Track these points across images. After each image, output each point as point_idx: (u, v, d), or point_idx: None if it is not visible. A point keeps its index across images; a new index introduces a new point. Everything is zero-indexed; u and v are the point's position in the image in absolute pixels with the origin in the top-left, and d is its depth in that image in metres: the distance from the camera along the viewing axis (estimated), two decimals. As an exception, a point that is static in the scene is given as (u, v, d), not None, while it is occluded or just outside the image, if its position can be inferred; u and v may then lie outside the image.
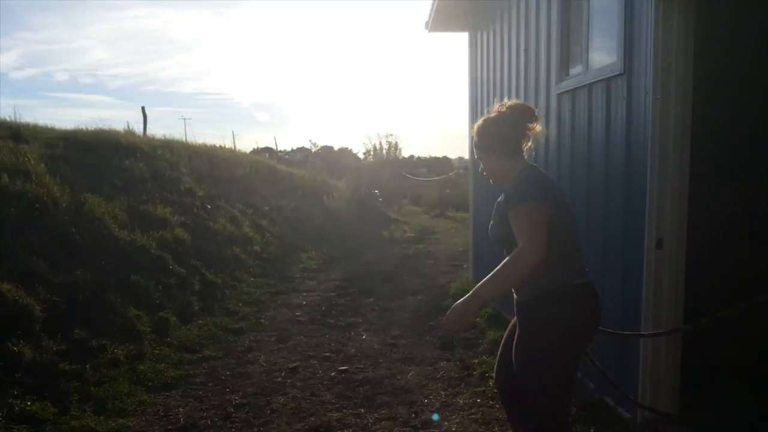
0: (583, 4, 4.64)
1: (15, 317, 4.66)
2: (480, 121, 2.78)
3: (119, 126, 12.18)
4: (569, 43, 5.05)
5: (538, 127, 2.75)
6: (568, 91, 4.90)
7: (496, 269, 2.38)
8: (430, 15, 8.45)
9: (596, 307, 2.60)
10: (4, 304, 4.64)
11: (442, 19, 8.41)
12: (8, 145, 7.41)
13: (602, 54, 4.42)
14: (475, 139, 2.81)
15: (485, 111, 7.68)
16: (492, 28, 7.23)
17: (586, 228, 4.53)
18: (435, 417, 4.12)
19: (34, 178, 6.65)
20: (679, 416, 3.68)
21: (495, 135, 2.71)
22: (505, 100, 2.81)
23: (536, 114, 2.79)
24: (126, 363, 5.05)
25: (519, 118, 2.71)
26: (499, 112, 2.72)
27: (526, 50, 6.00)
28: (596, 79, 4.35)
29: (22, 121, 9.70)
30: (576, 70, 4.87)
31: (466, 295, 2.45)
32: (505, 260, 2.38)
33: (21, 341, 4.50)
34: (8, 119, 9.88)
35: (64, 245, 6.09)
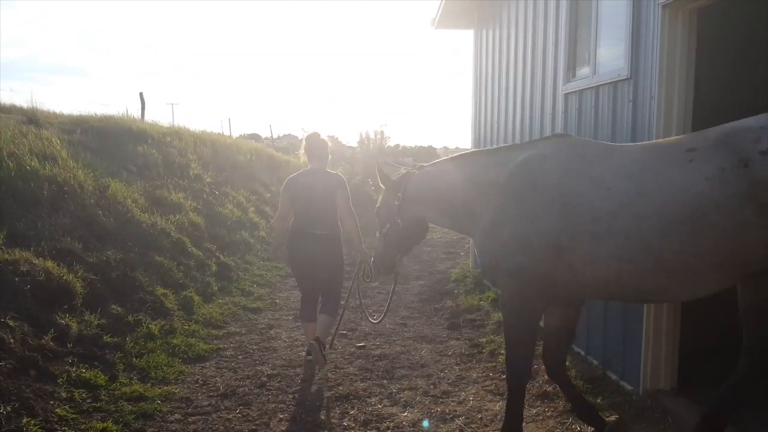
0: (592, 9, 5.03)
1: (60, 293, 4.99)
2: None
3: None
4: (576, 46, 5.45)
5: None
6: (575, 92, 5.30)
7: None
8: (437, 12, 8.79)
9: (298, 242, 4.94)
10: (51, 281, 4.97)
11: (448, 16, 8.76)
12: (32, 129, 7.66)
13: (609, 58, 4.82)
14: None
15: (488, 106, 8.07)
16: (498, 26, 7.61)
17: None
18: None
19: (60, 162, 6.93)
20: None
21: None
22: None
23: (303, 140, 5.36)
24: (160, 337, 5.42)
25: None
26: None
27: (533, 50, 6.39)
28: (603, 82, 4.76)
29: (37, 106, 9.86)
30: (583, 72, 5.27)
31: None
32: None
33: (67, 315, 4.85)
34: (24, 105, 10.04)
35: (93, 227, 6.39)
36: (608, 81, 4.68)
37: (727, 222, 2.73)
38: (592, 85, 4.97)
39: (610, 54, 4.82)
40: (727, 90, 4.86)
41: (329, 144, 5.32)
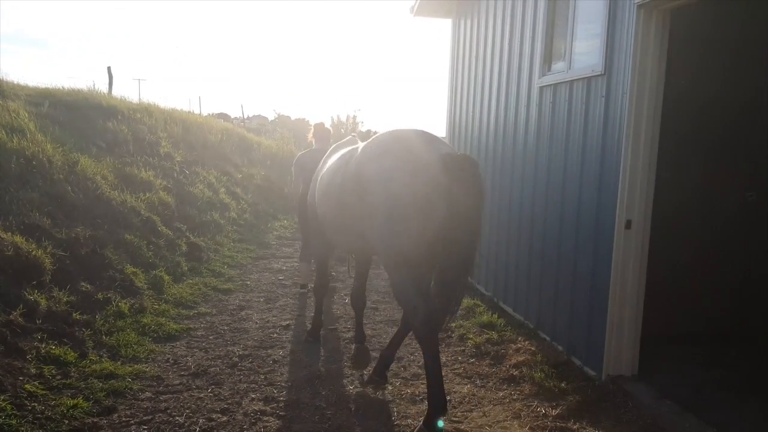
0: (569, 6, 5.13)
1: (28, 269, 4.92)
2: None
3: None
4: (553, 41, 5.55)
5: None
6: (550, 85, 5.41)
7: None
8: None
9: (304, 203, 6.06)
10: (19, 256, 4.89)
11: (427, 4, 8.76)
12: (-2, 101, 7.45)
13: (585, 54, 4.93)
14: None
15: (464, 95, 8.13)
16: (476, 16, 7.66)
17: (561, 205, 5.10)
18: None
19: (28, 135, 6.78)
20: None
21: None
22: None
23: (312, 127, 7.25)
24: (130, 315, 5.39)
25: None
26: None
27: (510, 42, 6.47)
28: (578, 77, 4.87)
29: (2, 77, 9.55)
30: (558, 66, 5.38)
31: None
32: None
33: (35, 291, 4.79)
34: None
35: (62, 203, 6.29)
36: (583, 76, 4.79)
37: (352, 210, 3.76)
38: (566, 80, 5.08)
39: (586, 50, 4.93)
40: (695, 85, 5.01)
41: (331, 131, 7.45)
